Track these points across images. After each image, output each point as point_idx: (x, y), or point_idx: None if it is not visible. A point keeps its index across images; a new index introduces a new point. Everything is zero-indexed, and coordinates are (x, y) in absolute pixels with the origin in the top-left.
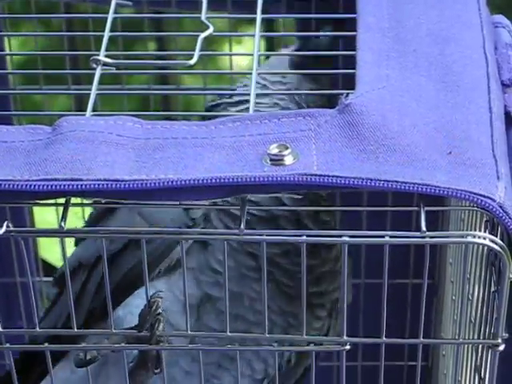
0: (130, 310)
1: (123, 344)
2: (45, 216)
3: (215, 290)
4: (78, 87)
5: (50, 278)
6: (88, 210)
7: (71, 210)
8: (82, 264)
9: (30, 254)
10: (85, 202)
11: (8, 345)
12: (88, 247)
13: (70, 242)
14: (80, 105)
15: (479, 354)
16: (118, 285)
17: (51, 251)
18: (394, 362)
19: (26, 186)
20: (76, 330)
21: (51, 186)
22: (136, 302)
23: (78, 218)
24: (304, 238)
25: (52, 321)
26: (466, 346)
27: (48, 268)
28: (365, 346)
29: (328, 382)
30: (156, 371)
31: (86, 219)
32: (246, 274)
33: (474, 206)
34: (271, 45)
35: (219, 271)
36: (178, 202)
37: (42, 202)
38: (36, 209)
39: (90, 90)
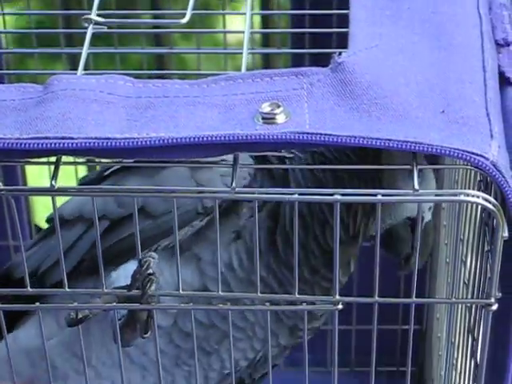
0: (125, 273)
1: (114, 303)
2: (40, 183)
3: (216, 286)
4: (71, 49)
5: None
6: (81, 169)
7: (65, 170)
8: (83, 217)
9: (22, 217)
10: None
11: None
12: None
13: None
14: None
15: (472, 315)
16: (113, 248)
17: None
18: (388, 325)
19: (17, 144)
20: (67, 289)
21: (42, 144)
22: (131, 267)
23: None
24: (296, 196)
25: (36, 260)
26: (459, 307)
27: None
28: (359, 310)
29: (323, 346)
30: (145, 335)
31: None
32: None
33: (467, 165)
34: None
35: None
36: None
37: (33, 160)
38: (30, 174)
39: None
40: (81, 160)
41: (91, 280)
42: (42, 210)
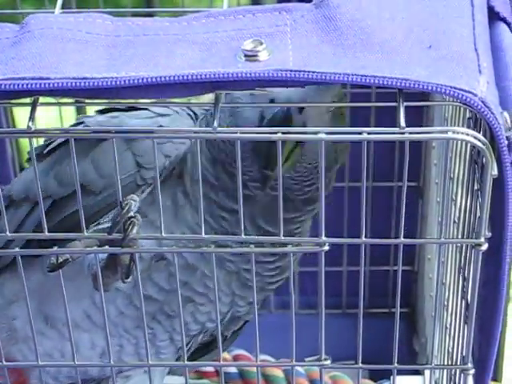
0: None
1: (95, 247)
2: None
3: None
4: None
5: None
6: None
7: (50, 114)
8: (29, 198)
9: (6, 159)
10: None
11: None
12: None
13: None
14: None
15: (463, 255)
16: (57, 227)
17: None
18: (380, 267)
19: None
20: (47, 233)
21: (18, 85)
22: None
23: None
24: (279, 135)
25: None
26: (449, 247)
27: None
28: (350, 251)
29: (314, 288)
30: (127, 280)
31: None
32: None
33: (456, 101)
34: None
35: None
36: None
37: (11, 102)
38: (19, 117)
39: None
40: (65, 101)
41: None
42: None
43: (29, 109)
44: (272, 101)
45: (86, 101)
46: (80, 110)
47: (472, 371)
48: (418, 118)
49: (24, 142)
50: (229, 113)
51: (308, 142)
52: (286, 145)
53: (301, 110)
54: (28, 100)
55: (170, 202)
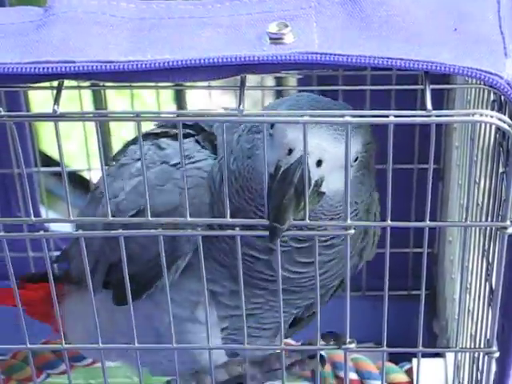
0: None
1: None
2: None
3: None
4: None
5: (49, 169)
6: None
7: (69, 98)
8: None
9: (26, 145)
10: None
11: (2, 233)
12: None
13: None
14: None
15: (487, 238)
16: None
17: (52, 146)
18: (400, 249)
19: (18, 69)
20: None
21: (44, 68)
22: None
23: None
24: (306, 118)
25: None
26: (473, 230)
27: (47, 160)
28: None
29: None
30: None
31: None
32: None
33: (480, 84)
34: None
35: None
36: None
37: (34, 85)
38: (34, 102)
39: None
40: (84, 84)
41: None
42: (48, 137)
43: (45, 93)
44: (290, 151)
45: (107, 84)
46: (97, 93)
47: (497, 354)
48: (438, 101)
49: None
50: (247, 153)
51: (328, 193)
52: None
53: (319, 163)
54: (47, 84)
55: None
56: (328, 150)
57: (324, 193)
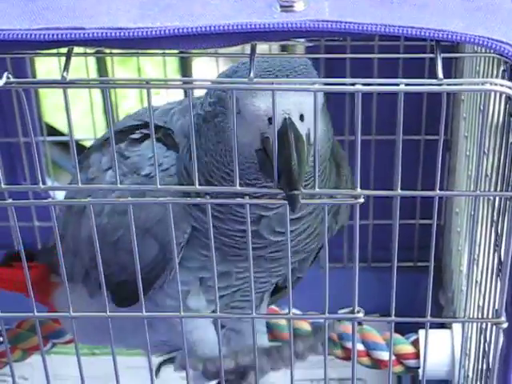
0: None
1: None
2: None
3: None
4: None
5: (55, 138)
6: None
7: (74, 66)
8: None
9: (32, 116)
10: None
11: (10, 200)
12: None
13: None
14: None
15: (496, 209)
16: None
17: (55, 118)
18: (406, 220)
19: (27, 35)
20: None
21: (53, 35)
22: None
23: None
24: (316, 86)
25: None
26: (481, 201)
27: (52, 130)
28: (376, 205)
29: (339, 242)
30: None
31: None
32: None
33: (491, 53)
34: None
35: None
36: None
37: (43, 52)
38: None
39: None
40: (93, 51)
41: None
42: (51, 108)
43: (49, 65)
44: (270, 120)
45: (114, 51)
46: (101, 64)
47: (505, 324)
48: (447, 71)
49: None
50: (217, 139)
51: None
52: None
53: (301, 117)
54: (54, 51)
55: None
56: (305, 102)
57: (311, 145)
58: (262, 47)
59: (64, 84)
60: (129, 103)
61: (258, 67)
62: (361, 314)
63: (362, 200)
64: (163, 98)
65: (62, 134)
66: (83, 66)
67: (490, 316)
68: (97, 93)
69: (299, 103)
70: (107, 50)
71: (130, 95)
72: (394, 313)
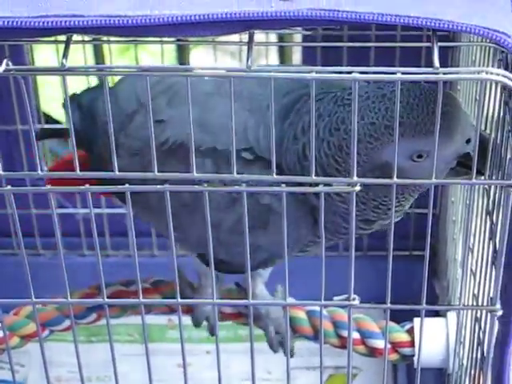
0: None
1: None
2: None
3: None
4: None
5: (52, 126)
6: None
7: (72, 55)
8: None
9: (30, 102)
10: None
11: (9, 187)
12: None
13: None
14: None
15: (491, 198)
16: None
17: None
18: None
19: (26, 23)
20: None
21: (52, 22)
22: None
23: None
24: (314, 74)
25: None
26: (477, 190)
27: (49, 119)
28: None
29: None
30: None
31: None
32: None
33: (487, 42)
34: None
35: None
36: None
37: (42, 39)
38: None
39: None
40: (91, 38)
41: None
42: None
43: (47, 53)
44: None
45: (112, 39)
46: (99, 52)
47: (500, 312)
48: (443, 61)
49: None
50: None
51: None
52: None
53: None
54: (52, 39)
55: None
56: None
57: None
58: (259, 36)
59: (63, 71)
60: None
61: None
62: (356, 301)
63: (358, 188)
64: None
65: (57, 122)
66: (81, 57)
67: (485, 304)
68: (94, 82)
69: None
70: (105, 38)
71: None
72: (389, 300)
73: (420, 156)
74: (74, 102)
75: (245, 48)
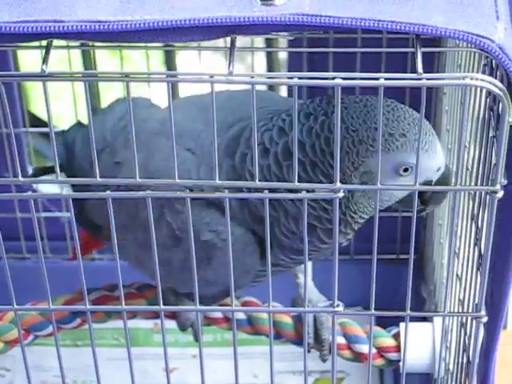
0: None
1: None
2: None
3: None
4: None
5: (37, 129)
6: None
7: (59, 58)
8: None
9: (15, 106)
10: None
11: None
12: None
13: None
14: None
15: (476, 203)
16: None
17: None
18: (388, 212)
19: (5, 28)
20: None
21: (32, 27)
22: None
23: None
24: (296, 80)
25: None
26: (462, 194)
27: (36, 121)
28: None
29: None
30: None
31: None
32: None
33: (472, 47)
34: None
35: None
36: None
37: (23, 45)
38: (24, 64)
39: None
40: (73, 44)
41: None
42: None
43: (35, 54)
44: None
45: (97, 44)
46: (86, 55)
47: (485, 319)
48: (429, 66)
49: (29, 88)
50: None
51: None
52: None
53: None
54: (36, 44)
55: None
56: None
57: None
58: (245, 40)
59: (43, 77)
60: (114, 94)
61: None
62: (340, 308)
63: (341, 194)
64: (148, 90)
65: (46, 125)
66: (74, 61)
67: (471, 310)
68: (80, 84)
69: None
70: (90, 43)
71: (115, 86)
72: (374, 306)
73: (406, 170)
74: (60, 138)
75: None
